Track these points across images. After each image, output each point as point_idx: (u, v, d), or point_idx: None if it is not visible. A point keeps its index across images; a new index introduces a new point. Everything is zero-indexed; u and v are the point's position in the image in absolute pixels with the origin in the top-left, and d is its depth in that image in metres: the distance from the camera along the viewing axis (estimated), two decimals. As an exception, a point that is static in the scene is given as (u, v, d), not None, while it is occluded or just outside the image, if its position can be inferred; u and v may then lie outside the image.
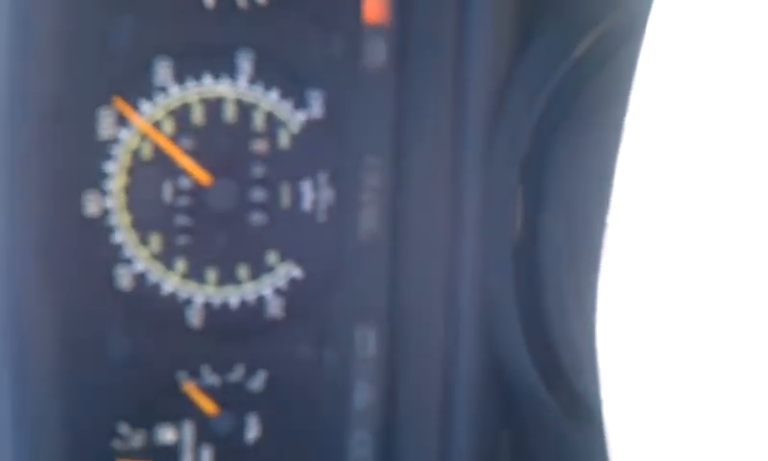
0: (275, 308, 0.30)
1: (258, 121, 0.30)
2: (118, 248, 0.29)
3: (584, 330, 0.24)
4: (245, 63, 0.30)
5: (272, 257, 0.30)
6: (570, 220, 0.27)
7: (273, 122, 0.30)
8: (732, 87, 0.16)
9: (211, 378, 0.30)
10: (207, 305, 0.30)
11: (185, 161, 0.29)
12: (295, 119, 0.30)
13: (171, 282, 0.30)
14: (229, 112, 0.30)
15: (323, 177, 0.30)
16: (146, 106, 0.29)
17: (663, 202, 0.17)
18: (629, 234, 0.18)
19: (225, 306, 0.30)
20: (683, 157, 0.17)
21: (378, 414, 0.31)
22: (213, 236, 0.30)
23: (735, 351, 0.16)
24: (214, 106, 0.29)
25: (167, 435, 0.30)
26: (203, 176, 0.29)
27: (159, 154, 0.29)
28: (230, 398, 0.30)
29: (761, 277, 0.15)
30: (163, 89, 0.29)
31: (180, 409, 0.30)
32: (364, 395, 0.31)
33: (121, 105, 0.29)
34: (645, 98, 0.18)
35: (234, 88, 0.29)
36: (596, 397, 0.18)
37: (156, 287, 0.30)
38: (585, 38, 0.27)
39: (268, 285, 0.30)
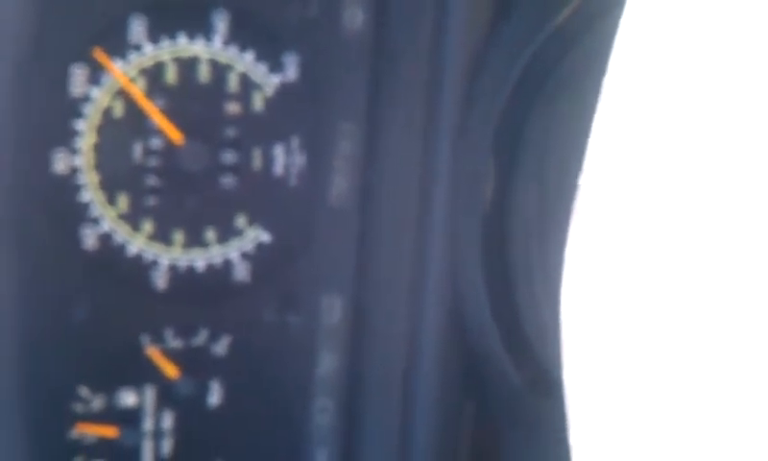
0: (241, 273, 0.30)
1: (232, 83, 0.29)
2: (85, 207, 0.29)
3: (549, 303, 0.24)
4: (220, 23, 0.29)
5: (240, 221, 0.30)
6: (541, 191, 0.26)
7: (247, 84, 0.29)
8: (710, 62, 0.16)
9: (174, 342, 0.30)
10: (173, 268, 0.29)
11: (159, 119, 0.29)
12: (269, 82, 0.29)
13: (137, 244, 0.29)
14: (203, 73, 0.29)
15: (295, 141, 0.30)
16: (119, 64, 0.28)
17: (634, 176, 0.17)
18: (598, 207, 0.18)
19: (191, 269, 0.30)
20: (657, 131, 0.17)
21: (341, 382, 0.31)
22: (182, 198, 0.29)
23: (692, 326, 0.16)
24: (188, 65, 0.29)
25: (128, 399, 0.30)
26: (175, 135, 0.29)
27: (130, 113, 0.29)
28: (193, 362, 0.30)
29: (724, 253, 0.15)
30: (137, 47, 0.28)
31: (141, 373, 0.29)
32: (328, 362, 0.31)
33: (100, 56, 0.28)
34: (622, 71, 0.18)
35: (209, 48, 0.29)
36: (559, 369, 0.18)
37: (122, 248, 0.29)
38: (564, 8, 0.27)
39: (235, 249, 0.30)
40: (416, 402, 0.30)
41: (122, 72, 0.28)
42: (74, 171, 0.28)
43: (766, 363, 0.15)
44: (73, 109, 0.28)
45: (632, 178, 0.17)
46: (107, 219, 0.29)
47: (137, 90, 0.28)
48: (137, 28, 0.28)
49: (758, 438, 0.15)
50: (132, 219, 0.29)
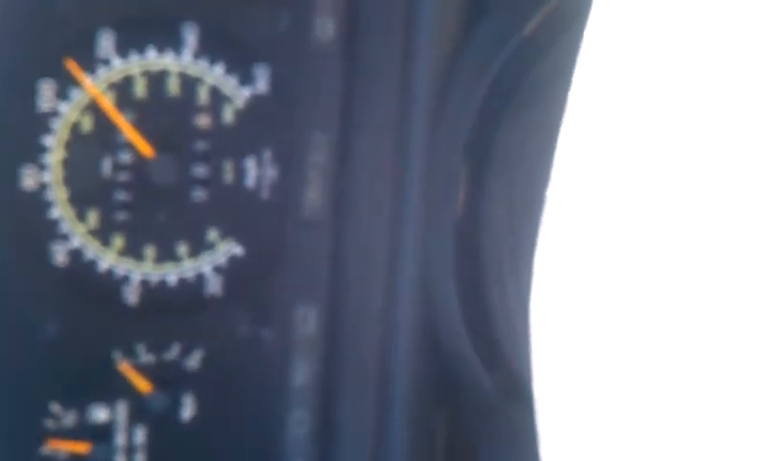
0: (214, 286, 0.30)
1: (202, 95, 0.29)
2: (54, 223, 0.28)
3: (520, 311, 0.24)
4: (189, 36, 0.29)
5: (212, 235, 0.30)
6: (511, 199, 0.27)
7: (217, 97, 0.29)
8: (677, 67, 0.16)
9: (146, 357, 0.30)
10: (145, 283, 0.29)
11: (130, 133, 0.28)
12: (240, 94, 0.29)
13: (108, 259, 0.29)
14: (173, 86, 0.29)
15: (267, 154, 0.30)
16: (88, 78, 0.28)
17: (603, 183, 0.17)
18: (567, 215, 0.18)
19: (162, 284, 0.29)
20: (624, 139, 0.17)
21: (316, 393, 0.31)
22: (152, 213, 0.29)
23: (662, 333, 0.16)
24: (157, 79, 0.29)
25: (100, 414, 0.30)
26: (146, 149, 0.29)
27: (99, 128, 0.28)
28: (166, 376, 0.30)
29: (693, 264, 0.15)
30: (105, 62, 0.28)
31: (113, 388, 0.29)
32: (302, 374, 0.31)
33: (72, 67, 0.28)
34: (588, 80, 0.18)
35: (178, 62, 0.29)
36: (530, 375, 0.18)
37: (93, 264, 0.29)
38: (533, 17, 0.27)
39: (207, 263, 0.30)
40: (391, 411, 0.30)
41: (91, 86, 0.28)
42: (43, 187, 0.28)
43: (735, 380, 0.15)
44: (41, 124, 0.28)
45: (600, 187, 0.17)
46: (77, 235, 0.29)
47: (108, 103, 0.28)
48: (105, 42, 0.28)
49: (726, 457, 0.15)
50: (103, 235, 0.29)
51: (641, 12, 0.17)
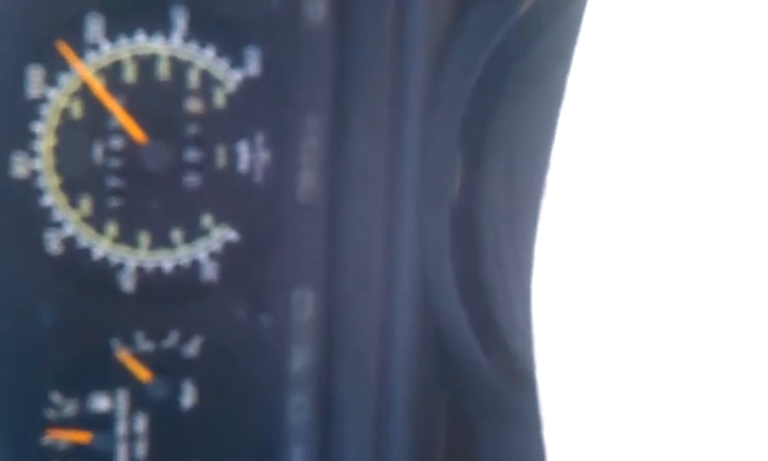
0: (209, 272, 0.30)
1: (193, 79, 0.29)
2: (47, 211, 0.28)
3: (520, 292, 0.24)
4: (179, 20, 0.29)
5: (207, 220, 0.30)
6: (510, 182, 0.26)
7: (208, 80, 0.29)
8: (673, 50, 0.16)
9: (145, 345, 0.29)
10: (140, 270, 0.29)
11: (122, 117, 0.28)
12: (231, 77, 0.29)
13: (102, 246, 0.29)
14: (163, 70, 0.29)
15: (260, 137, 0.30)
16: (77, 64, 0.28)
17: (600, 165, 0.17)
18: (566, 197, 0.18)
19: (158, 271, 0.29)
20: (622, 121, 0.17)
21: (316, 378, 0.31)
22: (146, 199, 0.29)
23: (661, 317, 0.16)
24: (147, 63, 0.28)
25: (101, 403, 0.29)
26: (138, 134, 0.28)
27: (89, 113, 0.28)
28: (165, 364, 0.29)
29: (692, 247, 0.15)
30: (95, 47, 0.28)
31: (113, 377, 0.29)
32: (301, 358, 0.31)
33: (64, 50, 0.27)
34: (587, 60, 0.18)
35: (168, 46, 0.28)
36: (531, 359, 0.18)
37: (87, 251, 0.29)
38: None
39: (202, 249, 0.30)
40: (391, 396, 0.30)
41: (79, 72, 0.28)
42: (34, 174, 0.28)
43: (743, 352, 0.15)
44: (30, 110, 0.28)
45: (600, 172, 0.17)
46: (70, 222, 0.28)
47: (100, 87, 0.28)
48: (94, 26, 0.28)
49: (733, 426, 0.15)
50: (97, 222, 0.29)
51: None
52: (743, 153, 0.15)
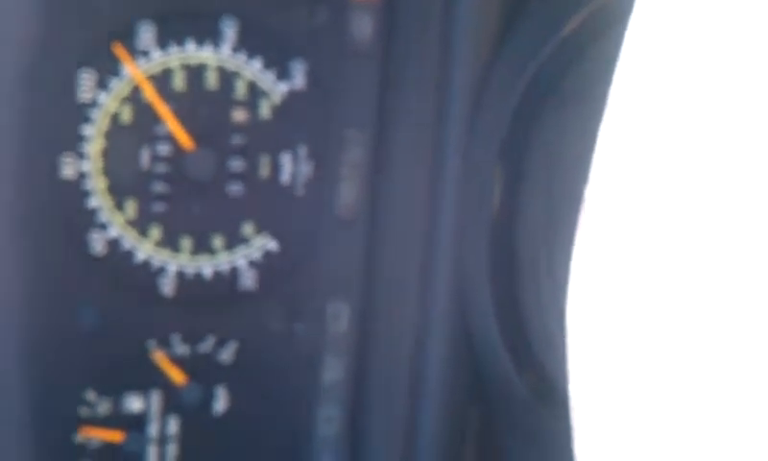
0: (248, 280, 0.30)
1: (240, 90, 0.29)
2: (93, 212, 0.29)
3: (556, 313, 0.24)
4: (229, 31, 0.29)
5: (247, 229, 0.30)
6: (549, 201, 0.26)
7: (254, 91, 0.29)
8: (715, 69, 0.16)
9: (181, 348, 0.30)
10: (180, 274, 0.29)
11: (172, 123, 0.29)
12: (277, 89, 0.30)
13: (144, 250, 0.29)
14: (211, 80, 0.29)
15: (302, 150, 0.30)
16: (126, 70, 0.28)
17: (640, 185, 0.17)
18: (604, 217, 0.18)
19: (198, 276, 0.30)
20: (663, 141, 0.17)
21: (347, 390, 0.31)
22: (189, 205, 0.29)
23: (699, 337, 0.16)
24: (196, 72, 0.29)
25: (134, 404, 0.30)
26: (186, 140, 0.29)
27: (138, 118, 0.29)
28: (200, 368, 0.30)
29: (732, 260, 0.15)
30: (145, 53, 0.29)
31: (148, 378, 0.30)
32: (333, 370, 0.31)
33: (120, 52, 0.28)
34: (628, 81, 0.18)
35: (217, 55, 0.29)
36: (564, 378, 0.18)
37: (130, 254, 0.29)
38: (572, 18, 0.27)
39: (242, 257, 0.30)
40: (421, 411, 0.30)
41: (130, 77, 0.28)
42: (82, 176, 0.28)
43: None
44: (81, 113, 0.28)
45: (637, 187, 0.17)
46: (114, 225, 0.29)
47: (153, 92, 0.28)
48: (146, 34, 0.28)
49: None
50: (140, 225, 0.29)
51: (682, 14, 0.17)
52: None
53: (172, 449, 0.30)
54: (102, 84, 0.28)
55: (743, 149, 0.16)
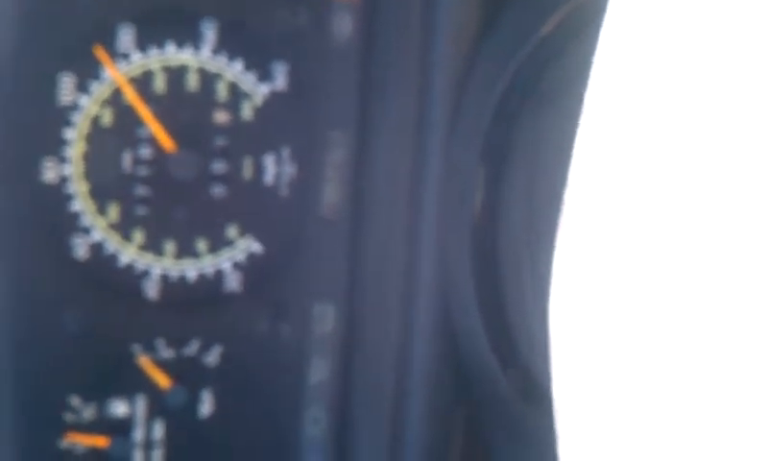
0: (232, 283, 0.30)
1: (221, 92, 0.29)
2: (75, 216, 0.29)
3: (539, 311, 0.24)
4: (209, 32, 0.29)
5: (231, 231, 0.30)
6: (530, 201, 0.26)
7: (236, 93, 0.29)
8: (691, 66, 0.16)
9: (166, 352, 0.30)
10: (164, 278, 0.29)
11: (154, 125, 0.29)
12: (259, 91, 0.30)
13: (128, 253, 0.29)
14: (192, 81, 0.29)
15: (285, 151, 0.30)
16: (107, 72, 0.28)
17: (620, 185, 0.17)
18: (585, 217, 0.18)
19: (182, 279, 0.30)
20: (641, 139, 0.17)
21: (333, 391, 0.31)
22: (172, 208, 0.29)
23: (679, 335, 0.16)
24: (177, 74, 0.29)
25: (119, 408, 0.30)
26: (168, 142, 0.29)
27: (119, 121, 0.29)
28: (185, 372, 0.30)
29: (712, 263, 0.15)
30: (125, 56, 0.28)
31: (133, 382, 0.29)
32: (319, 372, 0.31)
33: (101, 55, 0.28)
34: (605, 80, 0.18)
35: (198, 57, 0.29)
36: (548, 377, 0.18)
37: (113, 258, 0.29)
38: (550, 17, 0.27)
39: (226, 259, 0.30)
40: (408, 410, 0.30)
41: (111, 80, 0.28)
42: (63, 180, 0.28)
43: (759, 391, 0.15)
44: (62, 117, 0.28)
45: (617, 187, 0.17)
46: (97, 228, 0.29)
47: (134, 94, 0.28)
48: (126, 36, 0.28)
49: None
50: (123, 229, 0.29)
51: (658, 12, 0.17)
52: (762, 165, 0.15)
53: (158, 454, 0.30)
54: (82, 88, 0.28)
55: (719, 146, 0.16)
